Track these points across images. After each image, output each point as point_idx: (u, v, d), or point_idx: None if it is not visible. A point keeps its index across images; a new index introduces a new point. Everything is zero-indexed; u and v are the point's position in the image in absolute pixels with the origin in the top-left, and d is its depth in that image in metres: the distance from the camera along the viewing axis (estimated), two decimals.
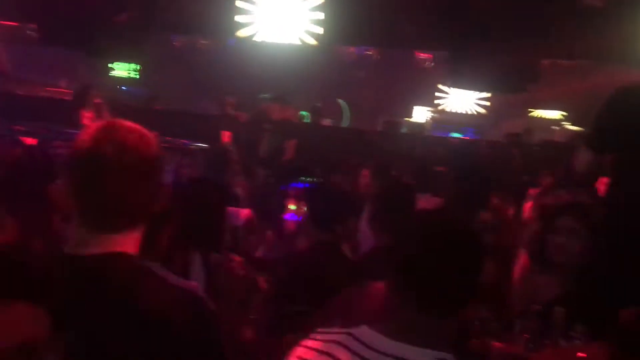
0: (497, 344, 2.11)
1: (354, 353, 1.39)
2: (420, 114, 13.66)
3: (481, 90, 11.85)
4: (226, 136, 7.37)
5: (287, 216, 4.18)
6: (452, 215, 1.49)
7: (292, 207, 4.19)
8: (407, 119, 12.77)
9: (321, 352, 1.43)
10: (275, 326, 2.60)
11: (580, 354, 1.90)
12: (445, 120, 13.36)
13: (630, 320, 1.59)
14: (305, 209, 3.42)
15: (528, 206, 5.30)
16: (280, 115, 8.80)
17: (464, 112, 13.64)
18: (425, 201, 4.12)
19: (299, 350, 1.48)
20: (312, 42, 8.95)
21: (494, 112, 13.25)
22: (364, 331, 1.43)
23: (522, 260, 3.44)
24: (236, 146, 5.87)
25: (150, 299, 1.18)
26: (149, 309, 1.16)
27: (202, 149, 6.00)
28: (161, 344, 1.15)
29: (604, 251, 2.89)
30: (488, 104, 13.30)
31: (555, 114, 13.44)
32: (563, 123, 13.01)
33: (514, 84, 6.46)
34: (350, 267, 2.84)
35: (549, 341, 2.19)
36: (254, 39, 9.35)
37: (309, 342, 1.48)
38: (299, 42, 9.07)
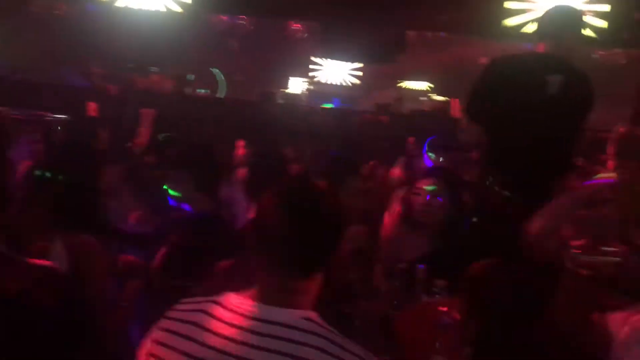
0: (363, 303, 2.18)
1: (217, 319, 1.38)
2: (296, 85, 13.74)
3: (351, 61, 12.12)
4: (92, 109, 6.95)
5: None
6: (315, 180, 1.50)
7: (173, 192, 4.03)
8: (282, 90, 12.80)
9: (183, 321, 1.41)
10: (159, 302, 2.51)
11: (441, 308, 2.02)
12: (320, 91, 13.54)
13: (478, 272, 1.70)
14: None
15: (396, 171, 5.53)
16: (152, 87, 8.46)
17: (337, 83, 13.90)
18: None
19: (162, 322, 1.44)
20: (178, 9, 8.65)
21: (366, 83, 13.61)
22: (230, 297, 1.42)
23: (389, 222, 3.59)
24: (103, 120, 5.57)
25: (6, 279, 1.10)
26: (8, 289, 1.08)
27: (64, 121, 5.61)
28: (26, 323, 1.08)
29: (465, 211, 3.09)
30: (360, 73, 13.63)
31: (422, 85, 14.06)
32: (430, 94, 13.64)
33: (382, 54, 6.66)
34: (231, 237, 2.81)
35: (412, 298, 2.31)
36: (116, 4, 8.87)
37: (172, 313, 1.45)
38: (164, 9, 8.73)
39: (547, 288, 1.69)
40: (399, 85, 13.96)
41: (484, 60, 11.58)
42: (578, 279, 1.91)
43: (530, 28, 7.22)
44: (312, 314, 1.38)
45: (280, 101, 8.70)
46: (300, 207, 1.38)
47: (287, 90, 13.16)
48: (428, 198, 2.89)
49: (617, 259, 1.79)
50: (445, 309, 1.97)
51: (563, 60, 3.14)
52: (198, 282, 2.18)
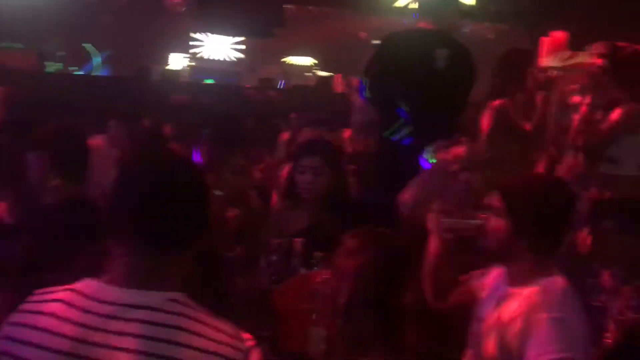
0: (241, 280, 2.15)
1: (76, 307, 1.29)
2: (177, 61, 13.31)
3: (230, 35, 11.92)
4: None
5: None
6: (175, 156, 1.43)
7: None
8: (162, 66, 12.35)
9: (36, 312, 1.30)
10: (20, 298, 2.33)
11: (318, 279, 2.03)
12: (203, 67, 13.22)
13: (348, 240, 1.72)
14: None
15: (281, 147, 5.53)
16: (22, 64, 7.85)
17: (221, 59, 13.64)
18: None
19: (13, 317, 1.33)
20: None
21: (250, 59, 13.46)
22: (89, 284, 1.33)
23: (274, 197, 3.58)
24: None
25: None
26: None
27: None
28: None
29: (347, 184, 3.14)
30: (243, 47, 13.45)
31: (307, 61, 14.13)
32: (315, 69, 13.74)
33: (261, 28, 6.58)
34: (99, 222, 2.65)
35: (291, 271, 2.31)
36: None
37: (24, 306, 1.34)
38: None
39: (416, 253, 1.75)
40: (283, 60, 13.93)
41: (364, 35, 11.87)
42: (443, 242, 2.00)
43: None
44: (178, 295, 1.32)
45: (157, 77, 8.38)
46: (155, 180, 1.31)
47: (167, 67, 12.72)
48: (310, 174, 2.92)
49: (478, 222, 1.88)
50: (321, 279, 1.99)
51: (448, 35, 3.25)
52: (62, 274, 2.04)
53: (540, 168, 3.62)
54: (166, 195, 1.30)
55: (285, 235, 2.59)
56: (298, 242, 2.36)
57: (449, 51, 3.21)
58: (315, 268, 2.25)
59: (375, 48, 3.29)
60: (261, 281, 2.25)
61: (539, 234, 1.74)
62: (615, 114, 3.30)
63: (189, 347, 1.26)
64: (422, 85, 3.16)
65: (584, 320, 1.70)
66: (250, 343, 1.31)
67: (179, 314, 1.30)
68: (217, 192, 2.71)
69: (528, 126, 3.60)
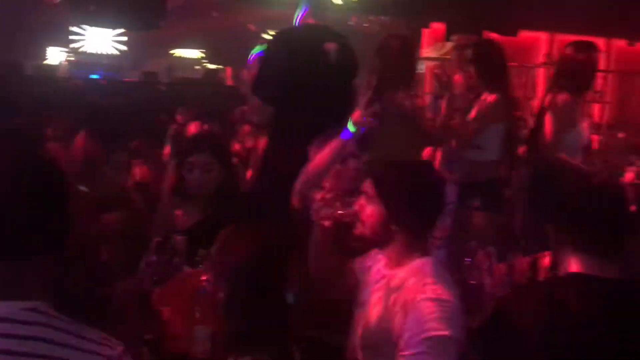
0: (120, 283, 2.06)
1: None
2: (55, 56, 12.59)
3: (111, 27, 11.42)
4: None
5: None
6: (31, 159, 1.33)
7: None
8: (39, 61, 11.63)
9: None
10: None
11: (203, 277, 1.98)
12: (83, 62, 12.58)
13: (224, 235, 1.69)
14: None
15: (168, 143, 5.37)
16: None
17: (103, 52, 13.05)
18: None
19: None
20: None
21: (136, 52, 12.99)
22: None
23: (162, 194, 3.47)
24: None
25: None
26: None
27: None
28: None
29: (237, 179, 3.09)
30: (125, 38, 12.94)
31: (196, 54, 13.85)
32: (204, 62, 13.50)
33: (143, 20, 6.33)
34: None
35: (174, 271, 2.24)
36: None
37: None
38: None
39: (294, 242, 1.75)
40: (171, 53, 13.57)
41: (252, 27, 11.79)
42: (325, 230, 2.02)
43: None
44: (39, 304, 1.24)
45: (31, 73, 7.86)
46: (1, 184, 1.22)
47: (44, 62, 11.99)
48: (199, 171, 2.85)
49: (355, 209, 1.91)
50: (205, 277, 1.94)
51: (333, 30, 3.26)
52: None
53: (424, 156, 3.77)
54: (14, 200, 1.21)
55: (174, 233, 2.51)
56: (180, 240, 2.30)
57: (336, 45, 3.24)
58: (201, 266, 2.19)
59: (264, 49, 3.24)
60: (142, 283, 2.16)
61: (410, 217, 1.80)
62: (479, 105, 3.50)
63: (51, 358, 1.18)
64: (313, 81, 3.16)
65: (457, 298, 1.78)
66: (118, 349, 1.26)
67: (40, 324, 1.22)
68: (83, 188, 2.56)
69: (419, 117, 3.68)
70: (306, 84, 3.09)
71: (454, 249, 3.38)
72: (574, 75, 3.57)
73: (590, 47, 3.64)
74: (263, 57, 3.27)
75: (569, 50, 3.71)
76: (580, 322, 1.54)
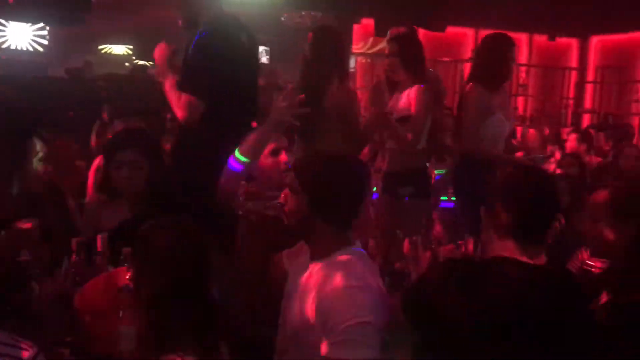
0: (38, 287, 1.98)
1: None
2: None
3: (31, 22, 10.96)
4: None
5: None
6: None
7: None
8: None
9: None
10: None
11: (126, 276, 1.93)
12: (6, 57, 12.00)
13: (145, 232, 1.66)
14: None
15: (94, 140, 5.24)
16: None
17: (25, 48, 12.50)
18: None
19: None
20: None
21: (61, 48, 12.51)
22: None
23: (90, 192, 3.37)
24: None
25: None
26: None
27: None
28: None
29: (167, 175, 3.02)
30: (44, 33, 12.43)
31: (123, 50, 13.50)
32: (134, 59, 13.16)
33: (65, 15, 6.11)
34: None
35: (96, 270, 2.18)
36: None
37: None
38: None
39: (217, 237, 1.73)
40: (100, 49, 13.18)
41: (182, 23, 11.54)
42: (250, 224, 2.01)
43: None
44: None
45: None
46: None
47: None
48: (127, 169, 2.79)
49: (279, 202, 1.91)
50: (128, 275, 1.89)
51: (244, 23, 3.21)
52: None
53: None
54: None
55: (101, 232, 2.44)
56: (102, 238, 2.23)
57: (249, 36, 3.21)
58: (125, 264, 2.14)
59: (191, 43, 3.15)
60: (62, 284, 2.09)
61: (332, 208, 1.81)
62: (407, 95, 3.55)
63: None
64: (233, 72, 3.12)
65: (379, 285, 1.81)
66: (31, 351, 1.21)
67: None
68: None
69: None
70: (227, 75, 3.04)
71: (381, 238, 3.44)
72: (489, 67, 3.68)
73: (505, 40, 3.76)
74: (190, 55, 3.19)
75: (484, 44, 3.83)
76: (494, 303, 1.59)
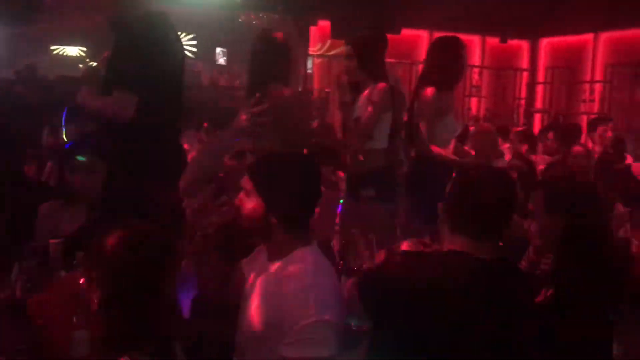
0: None
1: None
2: None
3: None
4: None
5: None
6: None
7: None
8: None
9: None
10: None
11: (81, 280, 1.91)
12: None
13: (99, 237, 1.64)
14: None
15: (48, 144, 5.11)
16: None
17: None
18: None
19: None
20: None
21: (12, 48, 12.17)
22: None
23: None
24: None
25: None
26: None
27: None
28: None
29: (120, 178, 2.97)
30: None
31: (77, 51, 13.23)
32: (88, 60, 12.92)
33: (13, 14, 5.96)
34: None
35: (50, 276, 2.15)
36: None
37: None
38: None
39: (170, 241, 1.72)
40: (52, 50, 12.88)
41: None
42: (205, 237, 2.01)
43: None
44: None
45: None
46: None
47: None
48: (82, 173, 2.76)
49: (235, 204, 1.91)
50: (82, 281, 1.87)
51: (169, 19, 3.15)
52: None
53: None
54: None
55: (56, 237, 2.41)
56: (54, 243, 2.21)
57: (173, 34, 3.16)
58: (79, 269, 2.12)
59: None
60: (14, 291, 2.05)
61: (287, 208, 1.82)
62: (369, 95, 3.56)
63: None
64: (169, 68, 3.07)
65: (335, 284, 1.84)
66: None
67: None
68: None
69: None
70: (151, 71, 2.99)
71: (339, 237, 3.47)
72: (439, 69, 3.73)
73: (455, 42, 3.83)
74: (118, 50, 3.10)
75: (435, 46, 3.89)
76: (445, 293, 1.64)
